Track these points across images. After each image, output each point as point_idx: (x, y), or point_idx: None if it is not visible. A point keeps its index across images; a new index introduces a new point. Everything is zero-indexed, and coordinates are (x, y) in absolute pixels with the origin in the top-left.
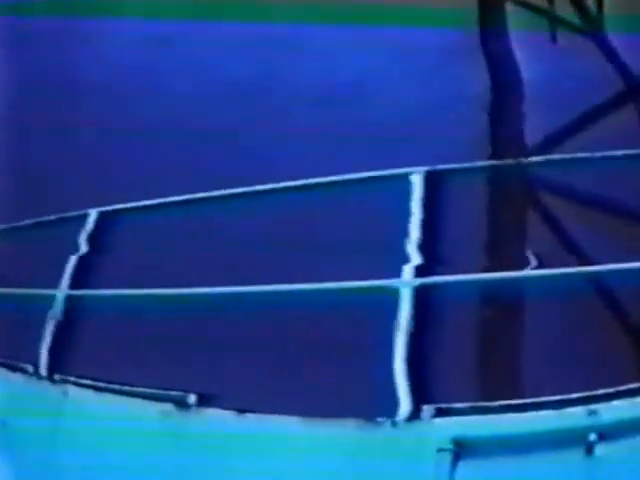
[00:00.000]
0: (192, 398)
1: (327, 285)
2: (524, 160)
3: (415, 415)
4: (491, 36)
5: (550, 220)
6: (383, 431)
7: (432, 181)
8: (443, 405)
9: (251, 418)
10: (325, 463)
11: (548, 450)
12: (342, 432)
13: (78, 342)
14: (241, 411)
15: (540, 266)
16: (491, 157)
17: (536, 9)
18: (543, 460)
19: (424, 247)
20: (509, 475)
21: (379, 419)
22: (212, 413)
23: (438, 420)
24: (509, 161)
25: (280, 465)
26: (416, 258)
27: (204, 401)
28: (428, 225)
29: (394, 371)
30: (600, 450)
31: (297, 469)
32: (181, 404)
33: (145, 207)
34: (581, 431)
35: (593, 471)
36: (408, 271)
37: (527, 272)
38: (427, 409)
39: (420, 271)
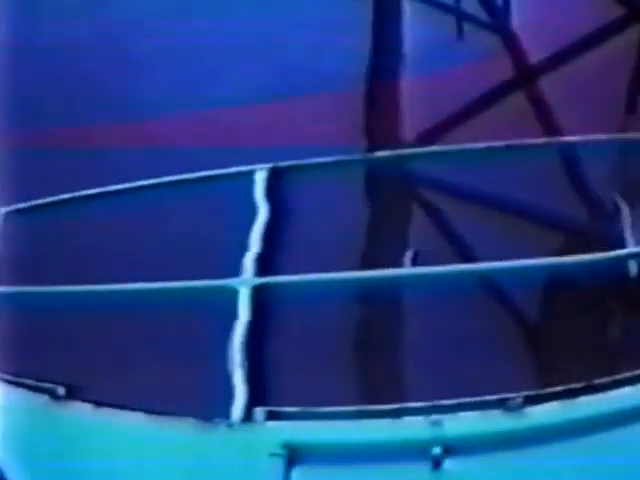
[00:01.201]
0: (61, 390)
1: (167, 285)
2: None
3: (248, 417)
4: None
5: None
6: (219, 431)
7: (277, 178)
8: (275, 408)
9: (105, 412)
10: (164, 460)
11: (388, 461)
12: (180, 430)
13: None
14: (97, 404)
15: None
16: (368, 149)
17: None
18: (384, 472)
19: (268, 246)
20: None
21: (215, 419)
22: (76, 405)
23: (270, 423)
24: (363, 155)
25: (125, 459)
26: (256, 258)
27: (74, 393)
28: (274, 224)
29: (231, 371)
30: (448, 464)
31: (139, 464)
32: (53, 395)
33: None
34: (424, 443)
35: None
36: (249, 270)
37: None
38: (259, 412)
39: (265, 270)
